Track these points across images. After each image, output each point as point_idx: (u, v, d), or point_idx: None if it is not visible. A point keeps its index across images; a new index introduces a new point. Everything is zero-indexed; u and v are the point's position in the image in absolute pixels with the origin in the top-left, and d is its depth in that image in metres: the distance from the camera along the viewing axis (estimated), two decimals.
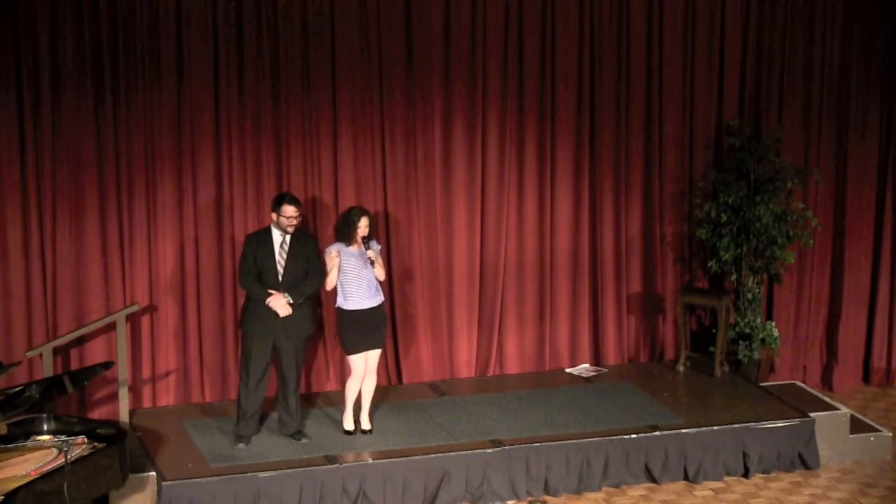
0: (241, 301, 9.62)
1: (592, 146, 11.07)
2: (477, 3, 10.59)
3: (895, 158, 11.65)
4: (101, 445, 8.29)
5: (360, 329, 9.51)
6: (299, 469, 9.08)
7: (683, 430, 9.84)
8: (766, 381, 11.14)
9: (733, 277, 11.26)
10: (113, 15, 9.72)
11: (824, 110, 11.48)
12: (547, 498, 9.52)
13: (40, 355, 9.57)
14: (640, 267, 11.38)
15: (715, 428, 9.90)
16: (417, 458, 9.32)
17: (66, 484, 7.79)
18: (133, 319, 10.01)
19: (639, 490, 9.69)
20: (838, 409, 10.34)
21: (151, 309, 10.15)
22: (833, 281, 11.74)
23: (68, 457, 7.87)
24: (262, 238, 9.40)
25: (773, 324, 11.21)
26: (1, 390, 8.32)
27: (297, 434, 9.57)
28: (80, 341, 9.95)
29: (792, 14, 11.29)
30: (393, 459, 9.27)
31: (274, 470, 9.04)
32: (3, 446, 8.27)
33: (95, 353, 9.95)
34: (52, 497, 7.75)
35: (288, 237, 9.36)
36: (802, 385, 11.14)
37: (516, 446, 9.49)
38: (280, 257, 9.35)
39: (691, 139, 11.34)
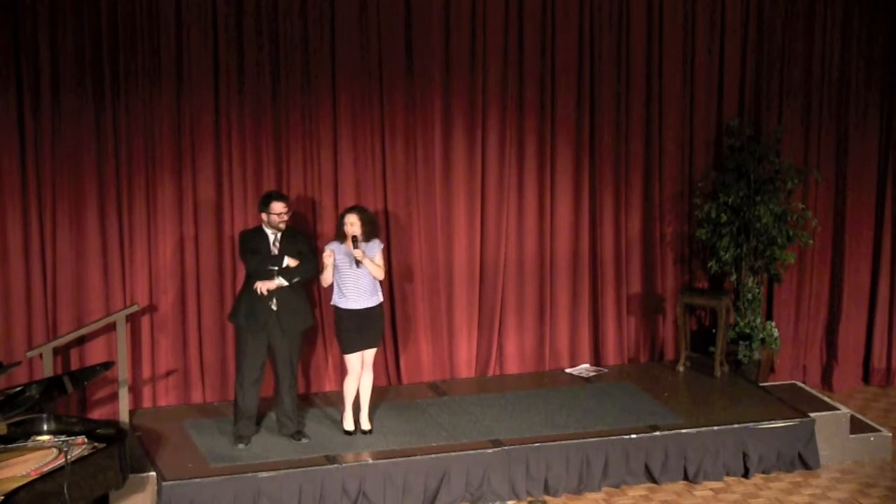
0: None
1: (592, 146, 11.07)
2: (477, 3, 10.59)
3: (895, 158, 11.65)
4: (101, 445, 8.29)
5: (356, 328, 9.51)
6: (299, 469, 9.08)
7: (683, 430, 9.84)
8: (766, 382, 11.14)
9: (733, 277, 11.26)
10: (113, 15, 9.72)
11: (824, 110, 11.47)
12: (547, 498, 9.52)
13: (40, 355, 9.57)
14: (640, 267, 11.38)
15: (715, 428, 9.90)
16: (417, 458, 9.32)
17: (66, 484, 7.78)
18: (133, 319, 10.01)
19: (639, 490, 9.69)
20: (838, 409, 10.34)
21: (151, 309, 10.15)
22: (833, 281, 11.74)
23: (68, 457, 7.87)
24: (256, 235, 9.43)
25: (773, 324, 11.21)
26: (1, 390, 8.33)
27: (297, 434, 9.57)
28: (80, 341, 9.95)
29: (792, 14, 11.29)
30: (393, 459, 9.27)
31: (274, 470, 9.04)
32: (3, 446, 8.27)
33: (95, 353, 9.96)
34: (52, 497, 7.74)
35: (279, 235, 9.38)
36: (802, 385, 11.14)
37: (516, 446, 9.49)
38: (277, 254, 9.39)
39: (691, 139, 11.34)
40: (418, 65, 10.52)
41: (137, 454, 9.17)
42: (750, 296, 11.19)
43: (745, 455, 9.92)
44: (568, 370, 11.21)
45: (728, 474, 9.91)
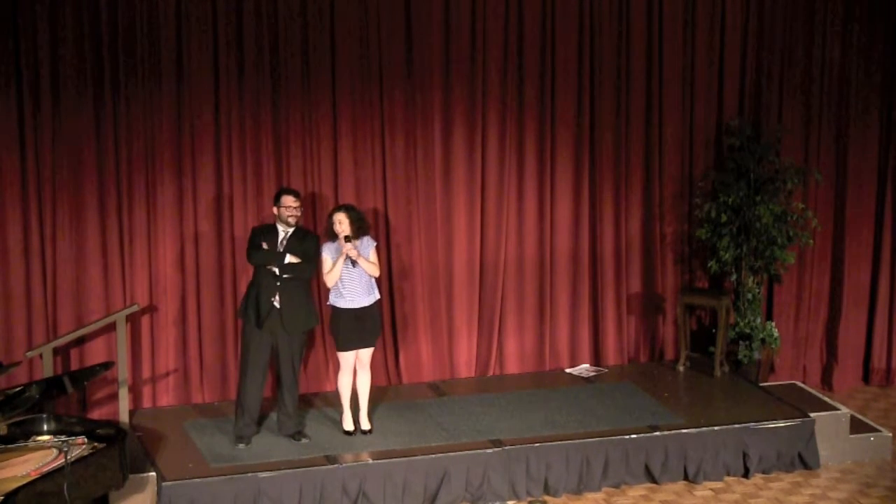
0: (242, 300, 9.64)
1: (592, 146, 11.07)
2: (477, 3, 10.60)
3: (895, 158, 11.65)
4: (101, 445, 8.29)
5: (351, 327, 9.52)
6: (299, 469, 9.08)
7: (683, 430, 9.84)
8: (766, 381, 11.14)
9: (733, 277, 11.26)
10: (113, 15, 9.72)
11: (824, 110, 11.47)
12: (547, 498, 9.52)
13: (40, 355, 9.57)
14: (640, 267, 11.38)
15: (715, 428, 9.89)
16: (417, 458, 9.32)
17: (66, 484, 7.78)
18: (133, 319, 10.01)
19: (639, 490, 9.69)
20: (838, 410, 10.34)
21: (151, 309, 10.15)
22: (833, 281, 11.74)
23: (68, 457, 7.87)
24: (266, 232, 9.44)
25: (773, 324, 11.21)
26: (1, 390, 8.33)
27: (297, 434, 9.57)
28: (80, 341, 9.95)
29: (792, 14, 11.29)
30: (393, 459, 9.27)
31: (274, 470, 9.04)
32: (3, 446, 8.27)
33: (95, 353, 9.96)
34: (52, 497, 7.75)
35: (290, 232, 9.38)
36: (802, 385, 11.14)
37: (516, 446, 9.49)
38: (280, 251, 9.39)
39: (691, 139, 11.34)
40: (418, 65, 10.52)
41: (137, 454, 9.17)
42: (750, 296, 11.18)
43: (745, 455, 9.92)
44: (568, 370, 11.21)
45: (728, 474, 9.91)
